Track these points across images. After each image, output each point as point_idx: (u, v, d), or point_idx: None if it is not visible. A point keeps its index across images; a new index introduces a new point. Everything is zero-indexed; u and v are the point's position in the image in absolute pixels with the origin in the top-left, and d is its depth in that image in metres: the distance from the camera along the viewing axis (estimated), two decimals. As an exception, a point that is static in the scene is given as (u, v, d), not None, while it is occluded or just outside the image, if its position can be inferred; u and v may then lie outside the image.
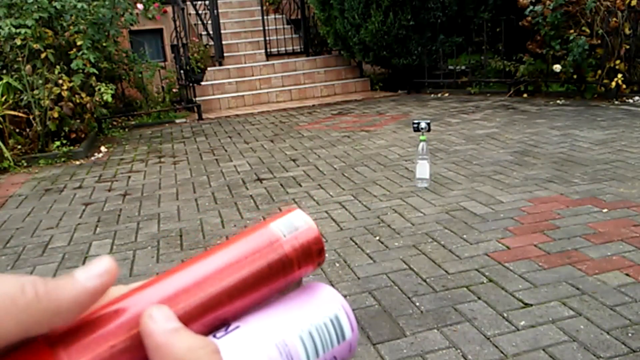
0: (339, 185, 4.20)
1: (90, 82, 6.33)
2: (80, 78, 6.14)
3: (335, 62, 9.41)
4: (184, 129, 7.12)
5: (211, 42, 8.92)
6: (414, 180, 4.05)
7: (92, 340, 0.25)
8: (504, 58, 7.66)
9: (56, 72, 5.95)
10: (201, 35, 9.29)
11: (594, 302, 2.31)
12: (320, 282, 0.32)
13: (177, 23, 8.15)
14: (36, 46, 5.89)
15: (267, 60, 9.19)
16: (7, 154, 5.57)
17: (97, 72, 6.35)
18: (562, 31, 6.67)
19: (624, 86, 6.45)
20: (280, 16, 9.86)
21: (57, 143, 5.95)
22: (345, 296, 2.48)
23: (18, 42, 5.76)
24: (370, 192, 3.97)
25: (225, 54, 8.92)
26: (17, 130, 6.02)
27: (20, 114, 5.92)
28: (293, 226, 0.31)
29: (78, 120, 6.14)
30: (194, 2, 9.15)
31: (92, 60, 6.21)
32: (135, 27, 7.99)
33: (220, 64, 8.86)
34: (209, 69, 8.64)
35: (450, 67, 8.68)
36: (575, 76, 6.82)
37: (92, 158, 5.88)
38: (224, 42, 8.90)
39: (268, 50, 9.25)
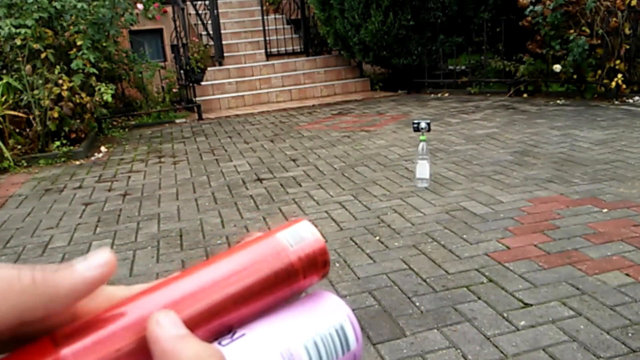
0: (339, 185, 4.20)
1: (90, 82, 6.33)
2: (80, 78, 6.14)
3: (335, 62, 9.41)
4: (184, 129, 7.13)
5: (211, 42, 8.92)
6: (414, 180, 4.05)
7: (99, 342, 0.25)
8: (504, 58, 7.66)
9: (56, 72, 5.95)
10: (201, 35, 9.29)
11: (594, 302, 2.31)
12: (326, 290, 0.32)
13: (177, 23, 8.15)
14: (36, 46, 5.89)
15: (267, 60, 9.19)
16: (7, 154, 5.57)
17: (97, 72, 6.35)
18: (562, 31, 6.68)
19: (624, 86, 6.45)
20: (280, 16, 9.86)
21: (57, 143, 5.95)
22: (345, 296, 2.49)
23: (18, 42, 5.76)
24: (370, 192, 3.97)
25: (225, 54, 8.92)
26: (17, 130, 6.02)
27: (20, 114, 5.92)
28: (300, 237, 0.31)
29: (78, 120, 6.14)
30: (194, 2, 9.15)
31: (92, 60, 6.21)
32: (135, 27, 7.99)
33: (220, 64, 8.86)
34: (209, 69, 8.65)
35: (450, 67, 8.68)
36: (575, 76, 6.82)
37: (92, 158, 5.89)
38: (224, 42, 8.90)
39: (268, 50, 9.25)
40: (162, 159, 5.56)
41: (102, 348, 0.25)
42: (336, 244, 3.10)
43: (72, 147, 6.00)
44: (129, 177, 4.98)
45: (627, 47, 6.47)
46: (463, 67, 8.86)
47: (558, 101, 6.90)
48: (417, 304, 2.41)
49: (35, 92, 5.81)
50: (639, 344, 2.01)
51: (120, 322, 0.26)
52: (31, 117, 5.90)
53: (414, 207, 3.59)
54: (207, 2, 8.87)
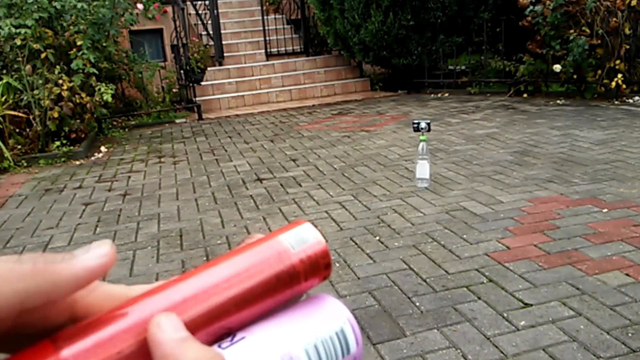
0: (339, 185, 4.20)
1: (90, 82, 6.33)
2: (80, 78, 6.14)
3: (335, 62, 9.41)
4: (184, 129, 7.13)
5: (211, 42, 8.92)
6: (414, 180, 4.05)
7: (99, 344, 0.25)
8: (504, 58, 7.66)
9: (56, 72, 5.95)
10: (201, 35, 9.29)
11: (594, 302, 2.31)
12: (327, 293, 0.32)
13: (177, 23, 8.15)
14: (36, 46, 5.89)
15: (267, 60, 9.19)
16: (7, 154, 5.57)
17: (97, 72, 6.35)
18: (562, 31, 6.68)
19: (624, 86, 6.45)
20: (280, 16, 9.86)
21: (57, 143, 5.95)
22: (345, 296, 2.49)
23: (18, 42, 5.76)
24: (370, 192, 3.97)
25: (225, 54, 8.92)
26: (17, 130, 6.02)
27: (20, 114, 5.92)
28: (302, 239, 0.31)
29: (78, 120, 6.14)
30: (194, 2, 9.15)
31: (92, 60, 6.21)
32: (135, 27, 7.99)
33: (220, 64, 8.86)
34: (209, 69, 8.65)
35: (450, 67, 8.68)
36: (575, 76, 6.82)
37: (92, 158, 5.89)
38: (224, 42, 8.90)
39: (268, 50, 9.25)
40: (162, 159, 5.56)
41: (102, 350, 0.25)
42: (336, 244, 3.10)
43: (72, 147, 6.00)
44: (129, 177, 4.98)
45: (627, 47, 6.47)
46: (463, 67, 8.86)
47: (558, 101, 6.90)
48: (417, 304, 2.41)
49: (35, 92, 5.81)
50: (639, 344, 2.01)
51: (121, 324, 0.26)
52: (31, 117, 5.90)
53: (414, 207, 3.59)
54: (207, 2, 8.87)
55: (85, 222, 3.84)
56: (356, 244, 3.09)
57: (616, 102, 6.47)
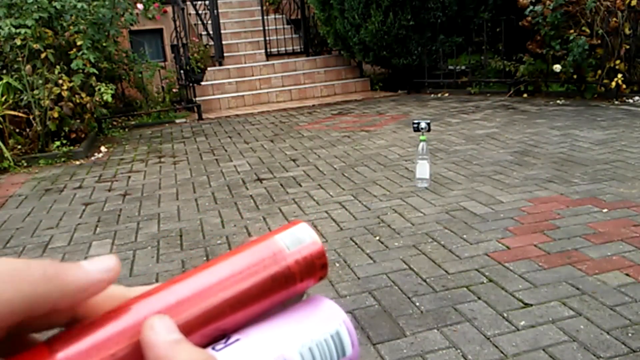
0: (339, 185, 4.20)
1: (90, 82, 6.33)
2: (80, 78, 6.14)
3: (335, 62, 9.41)
4: (184, 129, 7.13)
5: (211, 42, 8.92)
6: (414, 180, 4.05)
7: (93, 347, 0.25)
8: (504, 58, 7.66)
9: (56, 72, 5.95)
10: (201, 35, 9.29)
11: (594, 302, 2.31)
12: (323, 295, 0.32)
13: (177, 23, 8.15)
14: (36, 46, 5.89)
15: (267, 60, 9.19)
16: (7, 154, 5.57)
17: (97, 72, 6.35)
18: (562, 31, 6.68)
19: (624, 86, 6.45)
20: (280, 16, 9.86)
21: (57, 143, 5.95)
22: (345, 296, 2.49)
23: (18, 42, 5.76)
24: (370, 192, 3.97)
25: (225, 54, 8.92)
26: (17, 130, 6.02)
27: (20, 114, 5.92)
28: (297, 239, 0.31)
29: (78, 120, 6.14)
30: (194, 2, 9.15)
31: (92, 60, 6.21)
32: (135, 27, 7.99)
33: (220, 64, 8.86)
34: (209, 69, 8.64)
35: (450, 67, 8.68)
36: (575, 76, 6.82)
37: (92, 158, 5.89)
38: (224, 42, 8.90)
39: (268, 50, 9.25)
40: (162, 159, 5.56)
41: (96, 353, 0.25)
42: (336, 244, 3.10)
43: (72, 147, 6.00)
44: (129, 177, 4.98)
45: (627, 47, 6.47)
46: (463, 67, 8.85)
47: (558, 101, 6.90)
48: (417, 304, 2.41)
49: (35, 92, 5.81)
50: (639, 344, 2.01)
51: (115, 326, 0.26)
52: (31, 117, 5.90)
53: (414, 207, 3.59)
54: (207, 2, 8.87)
55: (85, 222, 3.84)
56: (356, 244, 3.09)
57: (616, 102, 6.47)
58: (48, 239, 3.54)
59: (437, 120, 6.24)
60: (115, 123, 7.60)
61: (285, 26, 9.66)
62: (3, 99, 5.86)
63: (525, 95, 7.37)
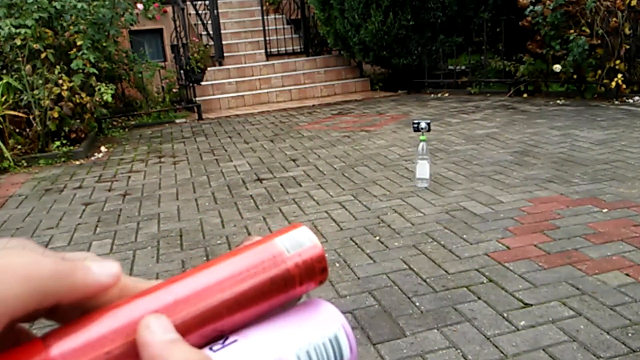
0: (339, 185, 4.20)
1: (90, 82, 6.33)
2: (80, 78, 6.14)
3: (335, 62, 9.41)
4: (184, 129, 7.13)
5: (211, 42, 8.92)
6: (414, 180, 4.05)
7: (88, 344, 0.25)
8: (504, 58, 7.66)
9: (56, 72, 5.95)
10: (201, 35, 9.29)
11: (594, 302, 2.31)
12: (322, 298, 0.32)
13: (177, 23, 8.15)
14: (36, 46, 5.89)
15: (267, 60, 9.19)
16: (7, 154, 5.57)
17: (97, 72, 6.35)
18: (562, 31, 6.68)
19: (624, 86, 6.45)
20: (280, 16, 9.86)
21: (57, 143, 5.95)
22: (345, 296, 2.49)
23: (18, 42, 5.76)
24: (370, 192, 3.97)
25: (225, 54, 8.92)
26: (17, 130, 6.02)
27: (20, 114, 5.92)
28: (297, 243, 0.30)
29: (78, 120, 6.14)
30: (194, 2, 9.15)
31: (92, 60, 6.21)
32: (135, 27, 7.99)
33: (220, 64, 8.86)
34: (209, 69, 8.64)
35: (450, 67, 8.68)
36: (575, 76, 6.82)
37: (92, 158, 5.89)
38: (224, 42, 8.90)
39: (268, 50, 9.25)
40: (162, 159, 5.56)
41: (91, 350, 0.25)
42: (336, 244, 3.10)
43: (72, 147, 6.00)
44: (129, 177, 4.98)
45: (627, 47, 6.47)
46: (463, 67, 8.86)
47: (558, 101, 6.90)
48: (417, 304, 2.41)
49: (35, 92, 5.81)
50: (639, 344, 2.01)
51: (111, 324, 0.26)
52: (31, 117, 5.90)
53: (414, 207, 3.59)
54: (207, 2, 8.87)
55: (85, 222, 3.84)
56: (356, 244, 3.09)
57: (616, 102, 6.47)
58: (48, 239, 3.54)
59: (437, 120, 6.24)
60: (115, 123, 7.60)
61: (285, 26, 9.66)
62: (3, 99, 5.86)
63: (525, 95, 7.37)
